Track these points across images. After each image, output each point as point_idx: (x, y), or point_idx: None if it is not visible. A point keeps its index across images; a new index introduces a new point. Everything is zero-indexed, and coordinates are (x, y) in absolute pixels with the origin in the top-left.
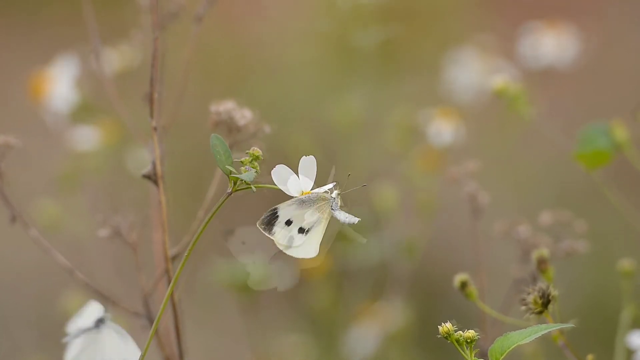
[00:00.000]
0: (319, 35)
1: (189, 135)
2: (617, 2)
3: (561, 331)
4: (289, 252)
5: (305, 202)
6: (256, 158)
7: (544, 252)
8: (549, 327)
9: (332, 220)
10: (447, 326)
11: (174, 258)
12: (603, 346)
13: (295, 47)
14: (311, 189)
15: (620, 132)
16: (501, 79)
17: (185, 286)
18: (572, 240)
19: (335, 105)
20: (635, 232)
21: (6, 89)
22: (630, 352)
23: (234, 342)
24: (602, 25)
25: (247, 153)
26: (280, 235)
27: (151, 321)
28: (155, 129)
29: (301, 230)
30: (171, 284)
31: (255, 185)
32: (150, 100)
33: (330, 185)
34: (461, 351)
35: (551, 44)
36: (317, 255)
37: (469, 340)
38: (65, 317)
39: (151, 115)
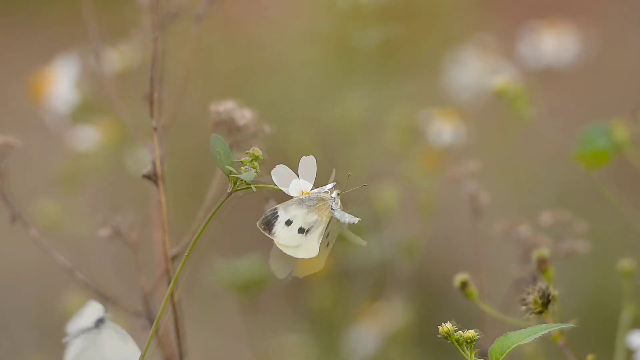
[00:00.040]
0: (319, 35)
1: (189, 135)
2: (617, 2)
3: (561, 331)
4: (289, 252)
5: (305, 202)
6: (256, 158)
7: (544, 252)
8: (550, 327)
9: (333, 221)
10: (447, 326)
11: (174, 258)
12: (603, 346)
13: (295, 47)
14: (311, 189)
15: (621, 132)
16: (502, 79)
17: (185, 286)
18: (573, 240)
19: (335, 105)
20: (635, 232)
21: (6, 89)
22: (630, 352)
23: (234, 342)
24: (602, 25)
25: (247, 153)
26: (280, 235)
27: (151, 321)
28: (155, 129)
29: (301, 231)
30: (171, 284)
31: (255, 185)
32: (150, 100)
33: (330, 186)
34: (461, 351)
35: (551, 44)
36: (321, 260)
37: (469, 340)
38: (65, 317)
39: (151, 115)
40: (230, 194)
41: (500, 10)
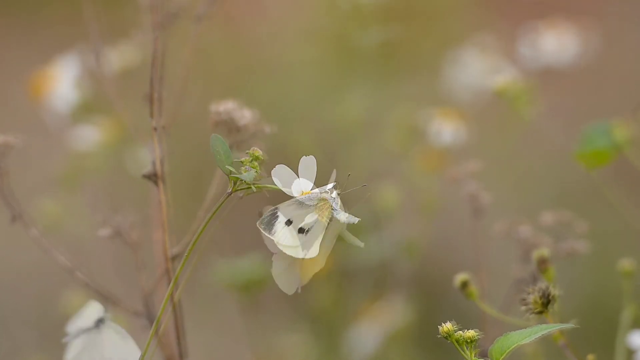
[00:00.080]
0: (319, 35)
1: (189, 135)
2: (617, 2)
3: (561, 331)
4: (289, 252)
5: (305, 202)
6: (256, 158)
7: (545, 251)
8: (550, 328)
9: (333, 221)
10: (447, 326)
11: (174, 258)
12: (603, 346)
13: (295, 47)
14: (311, 189)
15: (621, 132)
16: (503, 79)
17: (186, 286)
18: (573, 241)
19: (336, 105)
20: (635, 232)
21: (6, 89)
22: (630, 352)
23: (234, 342)
24: (602, 25)
25: (247, 153)
26: (280, 235)
27: (151, 321)
28: (155, 128)
29: (301, 231)
30: (171, 284)
31: (256, 185)
32: (150, 100)
33: (330, 186)
34: (461, 351)
35: (551, 44)
36: (321, 260)
37: (469, 340)
38: (65, 317)
39: (151, 115)
40: (230, 194)
41: (500, 10)
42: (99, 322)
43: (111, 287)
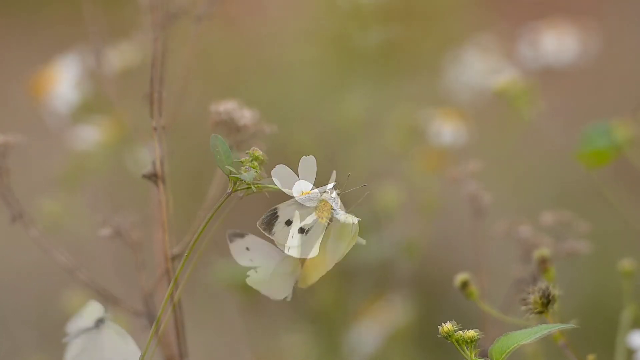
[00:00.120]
0: (319, 35)
1: (189, 135)
2: (617, 2)
3: (562, 331)
4: (288, 252)
5: (305, 202)
6: (256, 158)
7: (545, 251)
8: (551, 328)
9: (333, 221)
10: (447, 326)
11: (175, 258)
12: (603, 346)
13: (295, 47)
14: (311, 189)
15: (622, 132)
16: (504, 78)
17: (186, 286)
18: (573, 241)
19: (336, 105)
20: (635, 232)
21: (6, 89)
22: (630, 352)
23: (234, 342)
24: (602, 25)
25: (247, 153)
26: (280, 235)
27: (151, 321)
28: (155, 128)
29: (301, 231)
30: (171, 284)
31: (256, 185)
32: (150, 100)
33: (330, 186)
34: (461, 351)
35: (551, 44)
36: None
37: (469, 340)
38: (65, 317)
39: (151, 115)
40: (230, 194)
41: (500, 10)
42: (99, 322)
43: (111, 287)
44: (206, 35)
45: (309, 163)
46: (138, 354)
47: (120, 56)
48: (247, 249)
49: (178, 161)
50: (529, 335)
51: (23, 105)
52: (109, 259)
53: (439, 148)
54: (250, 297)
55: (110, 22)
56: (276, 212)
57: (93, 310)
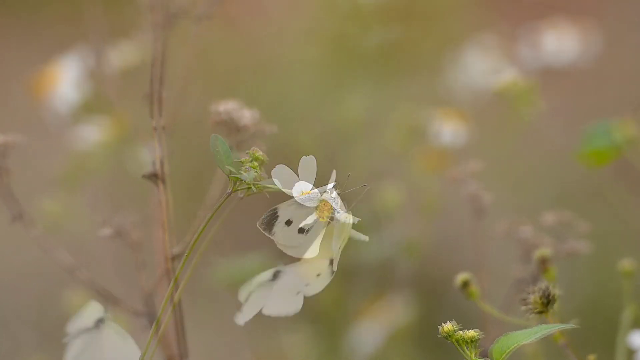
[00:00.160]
0: (319, 35)
1: (189, 135)
2: (617, 2)
3: (562, 331)
4: (289, 252)
5: (305, 202)
6: (256, 158)
7: (546, 251)
8: (552, 328)
9: (333, 221)
10: (448, 326)
11: (175, 258)
12: (604, 346)
13: (295, 47)
14: (311, 189)
15: (623, 131)
16: (506, 77)
17: (186, 286)
18: (574, 241)
19: (336, 105)
20: (635, 232)
21: (6, 89)
22: (631, 353)
23: (234, 342)
24: (602, 25)
25: (247, 153)
26: (280, 235)
27: (152, 321)
28: (156, 128)
29: (301, 231)
30: (171, 284)
31: (256, 185)
32: (151, 100)
33: (330, 186)
34: (462, 351)
35: (551, 44)
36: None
37: (470, 340)
38: (66, 317)
39: (151, 115)
40: (230, 194)
41: (500, 10)
42: (99, 322)
43: (111, 287)
44: (206, 35)
45: (309, 163)
46: (138, 354)
47: (121, 56)
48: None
49: (178, 161)
50: (529, 335)
51: (23, 105)
52: (109, 259)
53: (439, 148)
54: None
55: (110, 22)
56: (276, 212)
57: (93, 310)
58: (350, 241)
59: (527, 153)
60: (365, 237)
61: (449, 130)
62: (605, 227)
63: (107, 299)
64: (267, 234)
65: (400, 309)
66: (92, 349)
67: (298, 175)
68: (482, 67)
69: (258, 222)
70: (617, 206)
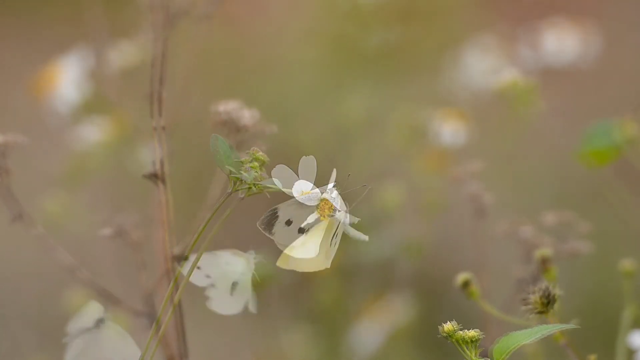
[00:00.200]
0: (319, 35)
1: (190, 135)
2: (617, 2)
3: (562, 331)
4: (289, 252)
5: (305, 202)
6: (257, 158)
7: (547, 251)
8: (553, 328)
9: (334, 221)
10: (448, 326)
11: (175, 258)
12: (604, 346)
13: (295, 47)
14: (311, 189)
15: (625, 131)
16: (507, 76)
17: (186, 286)
18: (574, 241)
19: (336, 105)
20: (635, 232)
21: (6, 89)
22: (631, 353)
23: (234, 342)
24: (602, 25)
25: (247, 153)
26: (280, 235)
27: (152, 321)
28: (156, 128)
29: (301, 230)
30: (172, 284)
31: (256, 183)
32: (151, 100)
33: (330, 185)
34: (462, 351)
35: (551, 44)
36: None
37: (470, 340)
38: (66, 317)
39: (151, 115)
40: (230, 194)
41: (500, 10)
42: (99, 322)
43: (112, 287)
44: (206, 35)
45: (309, 163)
46: (138, 354)
47: (121, 56)
48: (199, 268)
49: (178, 161)
50: (529, 335)
51: (23, 105)
52: (109, 259)
53: (439, 148)
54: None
55: (110, 22)
56: (276, 212)
57: (93, 310)
58: (351, 241)
59: (527, 153)
60: (365, 237)
61: (449, 130)
62: (606, 227)
63: (107, 299)
64: (267, 234)
65: (400, 309)
66: (92, 349)
67: (298, 176)
68: (482, 67)
69: (258, 222)
70: (617, 206)
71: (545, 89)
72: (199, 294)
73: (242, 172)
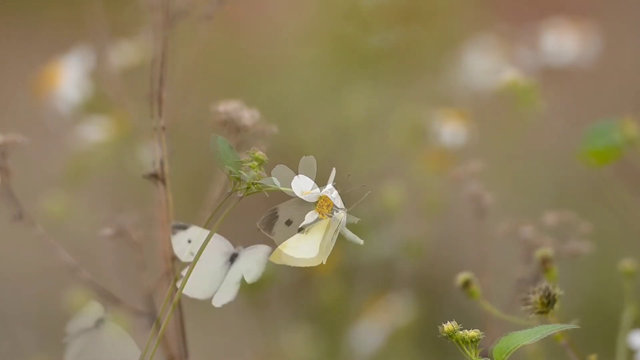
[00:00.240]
0: (319, 35)
1: (190, 135)
2: (617, 2)
3: (563, 331)
4: (288, 252)
5: (305, 202)
6: (257, 158)
7: (547, 251)
8: (555, 328)
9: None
10: (449, 326)
11: (176, 258)
12: (604, 346)
13: (296, 47)
14: (311, 189)
15: (626, 130)
16: (508, 76)
17: None
18: (575, 241)
19: (336, 105)
20: (635, 232)
21: (6, 89)
22: (631, 353)
23: (234, 342)
24: (602, 25)
25: (247, 153)
26: (280, 235)
27: (152, 321)
28: (156, 128)
29: (301, 230)
30: (172, 284)
31: (256, 183)
32: (151, 100)
33: (330, 185)
34: (462, 351)
35: (551, 44)
36: (320, 257)
37: (471, 340)
38: (66, 317)
39: (152, 115)
40: (230, 194)
41: (500, 10)
42: (99, 322)
43: (112, 287)
44: (206, 35)
45: (309, 163)
46: (138, 354)
47: (121, 56)
48: (189, 241)
49: (178, 161)
50: (530, 335)
51: (23, 105)
52: (110, 259)
53: (439, 148)
54: (251, 297)
55: (110, 22)
56: (276, 212)
57: (93, 310)
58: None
59: (527, 153)
60: (360, 241)
61: (449, 130)
62: (606, 227)
63: (107, 299)
64: (267, 234)
65: (400, 309)
66: (92, 349)
67: (298, 175)
68: (483, 67)
69: (258, 222)
70: (617, 206)
71: (545, 89)
72: None
73: (241, 172)
